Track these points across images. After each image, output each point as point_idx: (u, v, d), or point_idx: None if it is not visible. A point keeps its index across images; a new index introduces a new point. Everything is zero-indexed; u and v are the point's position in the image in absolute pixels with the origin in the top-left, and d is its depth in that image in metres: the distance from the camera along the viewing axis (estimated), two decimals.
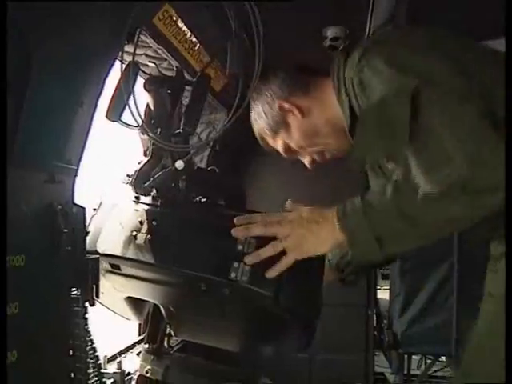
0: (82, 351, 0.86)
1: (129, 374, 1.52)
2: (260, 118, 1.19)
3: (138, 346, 1.83)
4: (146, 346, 1.23)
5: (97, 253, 0.94)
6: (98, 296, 0.88)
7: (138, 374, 1.49)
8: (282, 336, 1.07)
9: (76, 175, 0.92)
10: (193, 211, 0.98)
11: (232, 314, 1.00)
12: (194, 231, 0.93)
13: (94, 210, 1.06)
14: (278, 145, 1.20)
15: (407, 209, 0.88)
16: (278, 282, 0.88)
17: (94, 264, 0.86)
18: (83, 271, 0.84)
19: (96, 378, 0.95)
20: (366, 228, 0.89)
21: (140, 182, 0.96)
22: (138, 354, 1.74)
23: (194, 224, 0.94)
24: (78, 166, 0.93)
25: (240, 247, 0.89)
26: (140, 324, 1.93)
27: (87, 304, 0.86)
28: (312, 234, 0.93)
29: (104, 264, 0.96)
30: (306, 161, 1.21)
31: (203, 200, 1.06)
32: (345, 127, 1.09)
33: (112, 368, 1.46)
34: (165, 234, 0.93)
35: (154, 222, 0.94)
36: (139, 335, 1.93)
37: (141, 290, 1.05)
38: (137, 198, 1.01)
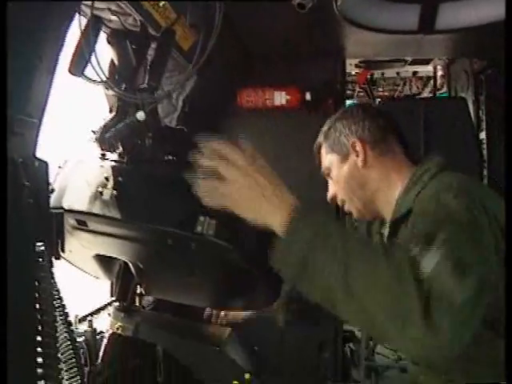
0: (49, 305, 0.86)
1: (100, 332, 1.54)
2: (331, 133, 1.23)
3: (109, 307, 1.84)
4: (117, 303, 1.24)
5: (62, 209, 0.94)
6: (63, 250, 0.88)
7: (109, 331, 1.51)
8: (250, 290, 1.09)
9: (38, 129, 0.91)
10: (159, 167, 0.98)
11: (199, 269, 1.01)
12: (159, 186, 0.94)
13: (60, 167, 1.05)
14: (324, 162, 1.24)
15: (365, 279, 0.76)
16: (244, 235, 0.89)
17: (58, 218, 0.86)
18: (47, 225, 0.84)
19: (66, 334, 0.96)
20: (307, 244, 0.80)
21: (104, 137, 0.95)
22: (109, 315, 1.75)
23: (160, 179, 0.95)
24: (40, 121, 0.92)
25: None
26: (112, 284, 1.94)
27: (53, 258, 0.87)
28: (256, 199, 0.82)
29: (70, 220, 0.96)
30: (330, 192, 1.25)
31: (170, 158, 1.06)
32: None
33: (83, 327, 1.46)
34: (131, 190, 0.93)
35: (120, 178, 0.93)
36: (111, 296, 1.94)
37: (108, 247, 1.06)
38: (103, 154, 1.00)
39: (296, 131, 2.28)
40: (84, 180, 0.97)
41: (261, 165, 0.85)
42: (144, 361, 1.77)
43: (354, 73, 3.04)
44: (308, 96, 2.27)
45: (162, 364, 1.68)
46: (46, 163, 0.86)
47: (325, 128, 1.27)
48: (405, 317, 0.73)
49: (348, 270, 0.77)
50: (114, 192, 0.93)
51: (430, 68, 3.00)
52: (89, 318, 1.53)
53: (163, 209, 0.91)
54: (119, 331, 1.22)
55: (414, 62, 2.72)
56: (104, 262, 1.18)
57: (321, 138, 1.27)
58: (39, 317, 0.86)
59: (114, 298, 1.90)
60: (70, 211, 0.95)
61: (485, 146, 2.37)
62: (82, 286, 1.85)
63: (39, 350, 0.86)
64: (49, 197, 0.87)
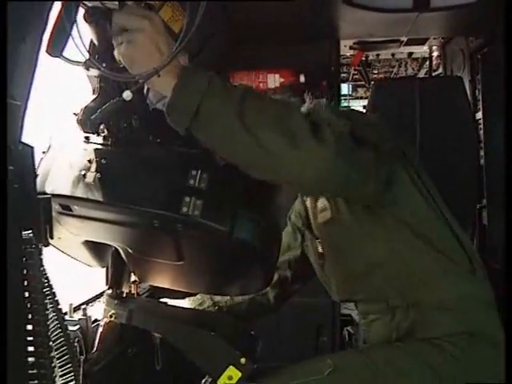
0: (38, 293, 0.84)
1: (95, 320, 1.53)
2: None
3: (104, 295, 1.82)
4: (110, 291, 1.22)
5: (45, 193, 0.91)
6: (51, 237, 0.86)
7: (104, 320, 1.50)
8: (242, 275, 1.07)
9: (23, 113, 0.88)
10: (143, 149, 0.95)
11: (188, 252, 0.99)
12: (144, 168, 0.92)
13: (43, 152, 1.03)
14: None
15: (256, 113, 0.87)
16: (233, 216, 0.87)
17: (45, 203, 0.83)
18: (34, 211, 0.82)
19: (56, 322, 0.94)
20: (201, 90, 0.86)
21: (87, 119, 0.92)
22: (103, 303, 1.74)
23: (144, 161, 0.92)
24: (25, 104, 0.89)
25: (192, 181, 0.87)
26: (107, 272, 1.92)
27: (40, 245, 0.84)
28: (152, 54, 0.87)
29: (54, 206, 0.93)
30: None
31: (157, 141, 1.03)
32: None
33: (78, 315, 1.45)
34: (114, 172, 0.91)
35: (103, 161, 0.91)
36: (106, 284, 1.92)
37: (96, 233, 1.04)
38: (86, 137, 0.97)
39: None
40: (67, 163, 0.95)
41: (158, 29, 0.89)
42: (141, 348, 1.76)
43: (348, 55, 3.00)
44: (302, 78, 2.24)
45: (160, 351, 1.67)
46: (31, 147, 0.84)
47: None
48: (295, 135, 0.86)
49: (243, 105, 0.86)
50: (98, 175, 0.90)
51: (425, 49, 2.96)
52: (83, 307, 1.52)
53: (148, 190, 0.89)
54: (113, 318, 1.20)
55: (410, 43, 2.68)
56: (95, 248, 1.16)
57: None
58: (29, 305, 0.84)
59: (108, 286, 1.90)
60: (53, 195, 0.91)
61: (481, 125, 2.35)
62: (76, 274, 1.83)
63: (30, 338, 0.84)
64: (35, 182, 0.85)
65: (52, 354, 0.86)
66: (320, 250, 1.38)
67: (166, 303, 1.29)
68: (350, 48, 2.75)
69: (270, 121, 0.88)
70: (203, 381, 1.51)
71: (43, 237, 0.84)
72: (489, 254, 2.19)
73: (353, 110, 1.16)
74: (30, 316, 0.84)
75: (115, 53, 0.88)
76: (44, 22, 0.93)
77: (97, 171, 0.90)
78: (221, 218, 0.87)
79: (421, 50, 3.03)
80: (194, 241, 0.93)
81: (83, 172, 0.91)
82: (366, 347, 1.42)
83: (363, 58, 3.16)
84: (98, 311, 1.63)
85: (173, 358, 1.57)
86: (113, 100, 0.92)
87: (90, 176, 0.90)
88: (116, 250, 1.15)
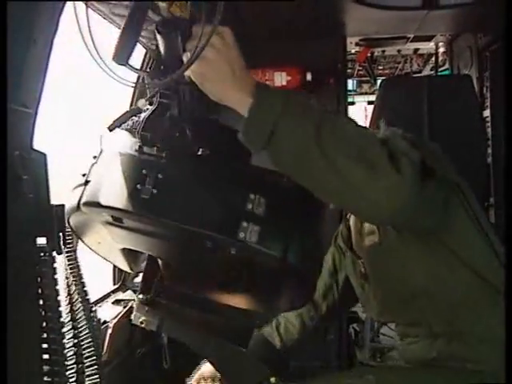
0: (52, 300, 0.84)
1: (105, 322, 1.53)
2: None
3: (112, 296, 1.83)
4: (141, 296, 1.19)
5: (99, 205, 0.89)
6: (65, 244, 0.85)
7: (113, 321, 1.50)
8: (284, 293, 1.06)
9: (34, 120, 0.87)
10: (201, 165, 0.92)
11: (235, 271, 0.97)
12: (202, 186, 0.88)
13: (94, 157, 0.99)
14: None
15: (334, 139, 0.84)
16: (287, 241, 0.85)
17: (58, 211, 0.83)
18: (47, 219, 0.81)
19: (70, 327, 0.94)
20: (277, 110, 0.84)
21: (143, 130, 0.89)
22: (113, 303, 1.74)
23: (203, 179, 0.89)
24: (35, 111, 0.88)
25: (250, 206, 0.85)
26: (114, 273, 1.92)
27: (54, 253, 0.84)
28: (225, 75, 0.84)
29: (106, 216, 0.91)
30: None
31: (207, 152, 0.97)
32: None
33: None
34: (171, 189, 0.88)
35: (160, 175, 0.87)
36: (114, 284, 1.93)
37: (141, 244, 1.01)
38: (140, 147, 0.93)
39: None
40: (121, 175, 0.91)
41: (232, 46, 0.86)
42: (149, 348, 1.77)
43: (354, 51, 2.98)
44: (309, 76, 2.22)
45: (167, 350, 1.67)
46: (44, 155, 0.83)
47: None
48: (374, 164, 0.83)
49: (320, 129, 0.83)
50: (154, 190, 0.87)
51: (431, 45, 2.93)
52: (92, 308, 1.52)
53: (205, 210, 0.86)
54: (143, 325, 1.18)
55: (416, 40, 2.66)
56: (131, 254, 1.14)
57: None
58: (43, 313, 0.84)
59: (117, 288, 1.90)
60: (107, 207, 0.89)
61: (489, 124, 2.33)
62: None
63: (45, 346, 0.84)
64: (48, 189, 0.84)
65: (67, 363, 0.85)
66: (362, 270, 1.35)
67: (199, 310, 1.25)
68: (356, 44, 2.73)
69: (348, 147, 0.85)
70: None
71: (57, 244, 0.83)
72: None
73: (418, 138, 1.12)
74: (44, 324, 0.83)
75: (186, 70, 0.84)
76: (55, 24, 0.92)
77: (153, 186, 0.86)
78: (276, 245, 0.85)
79: (427, 47, 3.01)
80: (242, 261, 0.91)
81: (139, 186, 0.87)
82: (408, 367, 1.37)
83: (368, 54, 3.14)
84: (106, 312, 1.64)
85: (181, 356, 1.57)
86: (169, 112, 0.89)
87: (146, 191, 0.86)
88: (151, 256, 1.13)
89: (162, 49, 0.87)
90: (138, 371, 1.71)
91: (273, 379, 1.13)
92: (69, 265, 0.92)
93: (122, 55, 0.84)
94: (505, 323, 0.93)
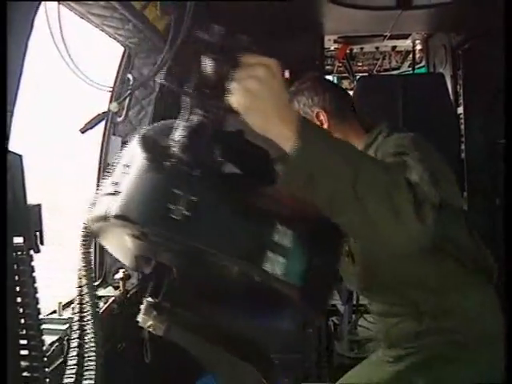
0: (30, 297, 0.86)
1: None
2: (294, 105, 1.39)
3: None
4: (150, 299, 1.17)
5: (129, 220, 0.85)
6: (42, 243, 0.87)
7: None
8: (295, 316, 1.07)
9: (10, 121, 0.88)
10: (234, 189, 0.90)
11: (252, 295, 0.96)
12: (233, 211, 0.87)
13: (127, 167, 0.93)
14: None
15: (376, 193, 0.88)
16: (308, 271, 0.86)
17: (35, 211, 0.84)
18: (25, 219, 0.83)
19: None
20: (321, 148, 0.87)
21: (184, 151, 0.87)
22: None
23: (235, 204, 0.88)
24: (11, 111, 0.89)
25: (276, 237, 0.85)
26: (95, 269, 1.93)
27: (32, 252, 0.86)
28: (269, 109, 0.85)
29: (134, 231, 0.88)
30: None
31: (240, 176, 0.96)
32: None
33: (67, 314, 1.46)
34: (203, 212, 0.86)
35: (193, 198, 0.85)
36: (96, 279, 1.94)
37: (160, 255, 1.01)
38: (175, 166, 0.89)
39: None
40: (154, 192, 0.88)
41: (278, 79, 0.86)
42: (130, 342, 1.78)
43: (332, 48, 3.01)
44: (287, 74, 2.25)
45: (149, 344, 1.68)
46: (20, 156, 0.85)
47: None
48: (400, 212, 0.89)
49: (359, 173, 0.87)
50: (186, 213, 0.84)
51: (408, 42, 2.99)
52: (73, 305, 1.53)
53: (233, 236, 0.85)
54: (151, 329, 1.16)
55: (393, 37, 2.71)
56: (144, 259, 1.13)
57: None
58: (21, 310, 0.86)
59: (97, 283, 1.91)
60: (136, 224, 0.86)
61: (462, 120, 2.39)
62: (66, 271, 1.84)
63: (23, 342, 0.86)
64: (24, 190, 0.85)
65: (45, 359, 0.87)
66: (347, 248, 1.39)
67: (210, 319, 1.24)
68: (335, 42, 2.77)
69: (380, 193, 0.89)
70: None
71: (34, 243, 0.85)
72: None
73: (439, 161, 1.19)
74: (22, 321, 0.85)
75: (231, 99, 0.85)
76: (30, 26, 0.93)
77: (186, 209, 0.84)
78: (298, 276, 0.86)
79: (404, 44, 3.07)
80: (263, 288, 0.89)
81: (171, 206, 0.84)
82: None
83: (347, 51, 3.18)
84: None
85: (162, 351, 1.59)
86: (207, 132, 0.88)
87: (178, 212, 0.84)
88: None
89: (207, 72, 0.86)
90: (119, 365, 1.73)
91: None
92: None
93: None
94: (505, 323, 1.02)
